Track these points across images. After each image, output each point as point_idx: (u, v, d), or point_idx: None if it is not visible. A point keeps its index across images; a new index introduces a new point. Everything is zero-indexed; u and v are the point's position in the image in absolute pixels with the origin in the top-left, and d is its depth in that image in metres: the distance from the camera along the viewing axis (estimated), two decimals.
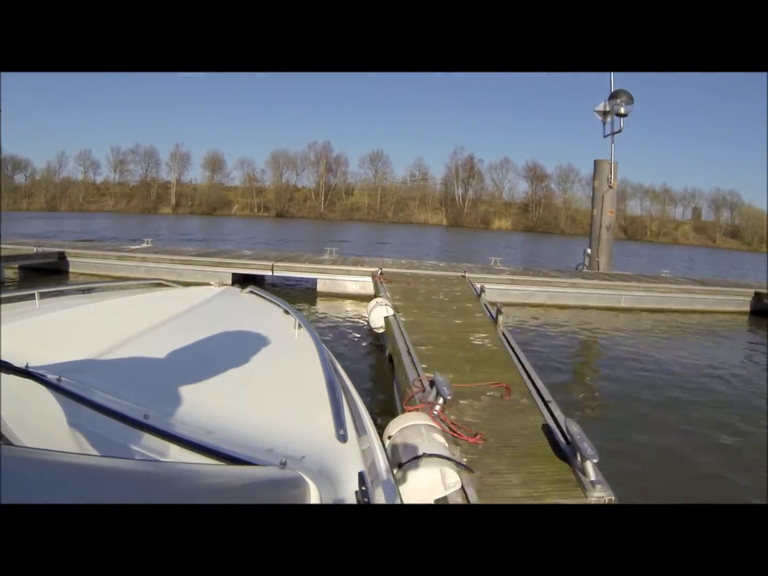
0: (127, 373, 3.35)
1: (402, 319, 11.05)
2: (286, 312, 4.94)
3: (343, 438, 2.66)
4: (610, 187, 24.72)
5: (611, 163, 25.15)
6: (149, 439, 2.59)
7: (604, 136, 25.67)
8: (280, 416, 2.98)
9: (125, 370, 3.40)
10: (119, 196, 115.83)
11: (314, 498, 2.15)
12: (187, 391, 3.15)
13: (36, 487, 1.44)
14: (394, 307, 11.70)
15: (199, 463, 2.36)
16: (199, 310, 5.02)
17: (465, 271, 19.22)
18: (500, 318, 10.80)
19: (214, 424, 2.78)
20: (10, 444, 2.70)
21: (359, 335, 13.85)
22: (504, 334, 10.10)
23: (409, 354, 8.61)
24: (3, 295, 4.54)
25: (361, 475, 2.31)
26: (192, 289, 6.18)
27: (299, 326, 4.44)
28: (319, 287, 19.67)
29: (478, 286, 15.16)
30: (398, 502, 2.42)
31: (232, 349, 3.96)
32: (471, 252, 46.05)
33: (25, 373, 2.96)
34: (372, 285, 17.58)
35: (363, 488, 2.23)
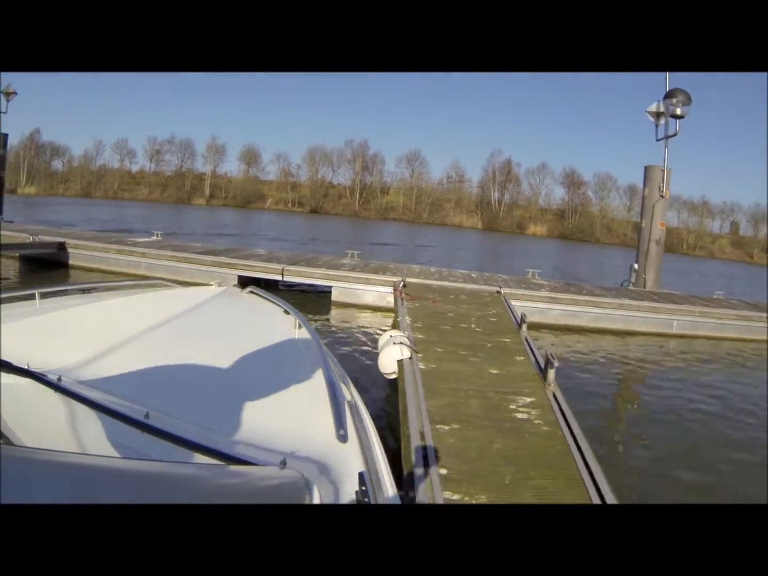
0: (127, 373, 3.34)
1: (421, 365, 8.66)
2: (286, 312, 4.90)
3: (343, 438, 2.65)
4: (662, 196, 22.36)
5: (664, 170, 22.66)
6: (149, 439, 2.55)
7: (657, 140, 23.18)
8: (280, 416, 2.97)
9: (125, 370, 3.38)
10: (154, 185, 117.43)
11: (314, 498, 2.12)
12: (187, 391, 3.16)
13: (36, 487, 1.49)
14: (413, 341, 9.52)
15: (199, 463, 2.35)
16: (200, 310, 4.97)
17: (500, 286, 17.09)
18: (551, 373, 8.15)
19: (214, 423, 2.78)
20: (10, 444, 2.70)
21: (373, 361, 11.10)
22: (556, 399, 7.66)
23: (422, 439, 6.05)
24: (3, 295, 4.47)
25: (361, 475, 2.29)
26: (192, 289, 6.32)
27: (299, 326, 4.40)
28: (335, 296, 17.93)
29: (518, 311, 12.95)
30: (398, 502, 2.42)
31: (232, 349, 3.88)
32: (509, 257, 45.56)
33: (25, 373, 2.97)
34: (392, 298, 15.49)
35: (363, 488, 2.21)
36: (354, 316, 16.85)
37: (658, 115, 23.12)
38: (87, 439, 2.81)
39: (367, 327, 15.36)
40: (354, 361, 11.86)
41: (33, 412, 3.03)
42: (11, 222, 25.78)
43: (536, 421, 6.89)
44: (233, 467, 2.32)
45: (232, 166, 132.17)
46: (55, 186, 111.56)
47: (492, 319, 12.45)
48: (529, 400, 7.56)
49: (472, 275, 20.42)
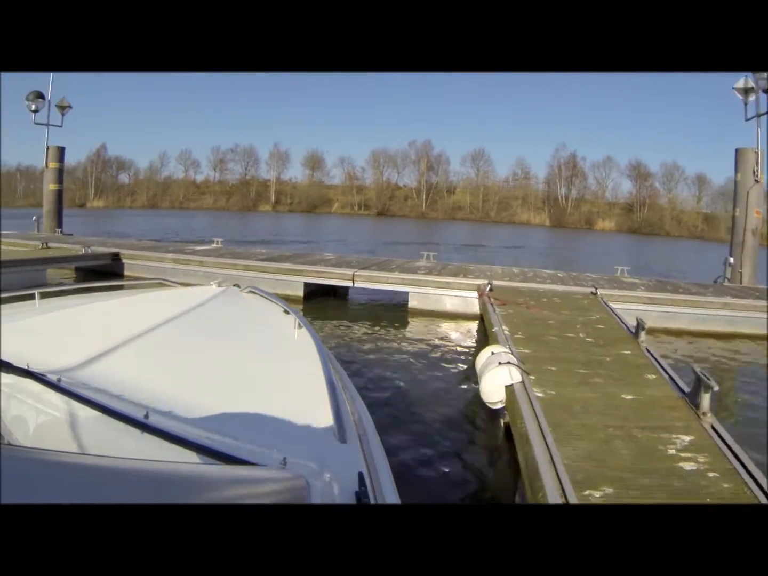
0: (127, 373, 3.34)
1: (537, 392, 7.01)
2: (286, 312, 4.89)
3: (343, 438, 2.65)
4: (757, 181, 20.37)
5: (758, 152, 20.37)
6: (149, 439, 2.56)
7: (747, 119, 21.00)
8: (280, 416, 2.94)
9: (125, 370, 3.39)
10: (219, 193, 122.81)
11: (314, 498, 2.11)
12: (187, 391, 3.14)
13: (36, 487, 1.51)
14: (520, 359, 7.94)
15: (199, 463, 2.36)
16: (200, 310, 4.87)
17: (596, 287, 15.49)
18: (706, 399, 6.29)
19: (214, 424, 2.76)
20: (10, 444, 2.80)
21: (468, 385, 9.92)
22: (720, 436, 5.84)
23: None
24: (3, 295, 4.52)
25: (360, 476, 2.30)
26: (192, 289, 6.09)
27: (299, 326, 4.38)
28: (412, 303, 16.42)
29: (630, 320, 11.16)
30: (398, 502, 2.41)
31: (233, 349, 3.97)
32: (586, 254, 43.95)
33: (25, 373, 2.99)
34: (477, 303, 14.91)
35: (363, 488, 2.22)
36: (435, 325, 15.28)
37: (746, 91, 20.67)
38: (87, 439, 2.82)
39: (451, 338, 13.90)
40: (446, 384, 10.30)
41: (33, 412, 3.05)
42: (71, 235, 26.23)
43: (710, 474, 5.07)
44: (233, 467, 2.27)
45: (296, 172, 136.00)
46: (123, 199, 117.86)
47: (599, 326, 11.12)
48: (687, 439, 5.76)
49: (559, 275, 19.12)
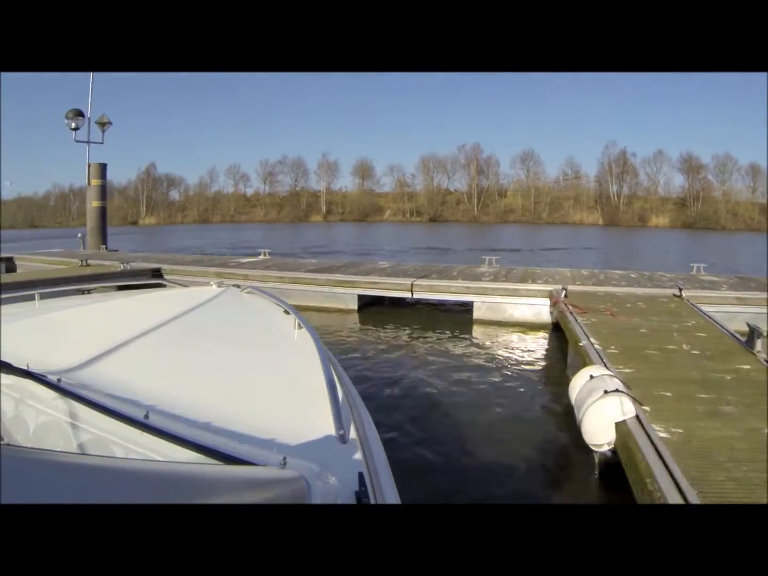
0: (127, 373, 3.37)
1: (659, 431, 5.44)
2: (287, 312, 4.83)
3: (343, 438, 2.64)
4: None
5: None
6: (149, 439, 2.58)
7: None
8: (280, 416, 2.96)
9: (125, 370, 3.43)
10: (269, 206, 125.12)
11: (314, 498, 2.09)
12: (187, 391, 3.15)
13: (36, 487, 1.53)
14: (625, 383, 6.37)
15: (199, 463, 2.34)
16: (200, 310, 4.93)
17: (680, 288, 13.81)
18: None
19: (214, 424, 2.78)
20: (10, 444, 2.88)
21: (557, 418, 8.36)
22: None
23: None
24: (3, 296, 4.69)
25: (360, 476, 2.29)
26: (192, 289, 6.20)
27: (299, 326, 4.32)
28: (476, 313, 15.09)
29: (728, 325, 10.22)
30: (398, 502, 2.38)
31: (233, 350, 4.00)
32: (647, 255, 41.52)
33: (25, 373, 3.03)
34: (549, 311, 13.97)
35: (363, 488, 2.21)
36: (503, 336, 14.06)
37: None
38: (87, 439, 2.85)
39: (524, 351, 12.59)
40: (528, 414, 8.70)
41: (33, 412, 3.07)
42: (116, 251, 26.89)
43: None
44: (233, 467, 2.27)
45: (346, 182, 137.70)
46: (174, 215, 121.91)
47: (700, 335, 9.70)
48: None
49: (632, 275, 17.79)
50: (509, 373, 10.71)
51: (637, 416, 5.63)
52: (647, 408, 5.94)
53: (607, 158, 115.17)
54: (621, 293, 14.23)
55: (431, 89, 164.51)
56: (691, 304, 12.50)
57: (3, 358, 2.99)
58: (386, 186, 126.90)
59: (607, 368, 6.88)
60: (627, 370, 7.31)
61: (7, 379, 3.02)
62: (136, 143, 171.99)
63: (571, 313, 11.09)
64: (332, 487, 2.21)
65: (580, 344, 8.73)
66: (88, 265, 19.80)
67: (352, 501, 2.13)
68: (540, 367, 11.25)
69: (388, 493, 2.35)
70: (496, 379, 10.23)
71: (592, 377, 6.30)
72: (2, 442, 2.83)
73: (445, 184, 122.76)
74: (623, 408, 5.69)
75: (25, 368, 3.04)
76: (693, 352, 8.48)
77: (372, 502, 2.16)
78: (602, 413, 5.74)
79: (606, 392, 5.85)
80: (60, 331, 4.11)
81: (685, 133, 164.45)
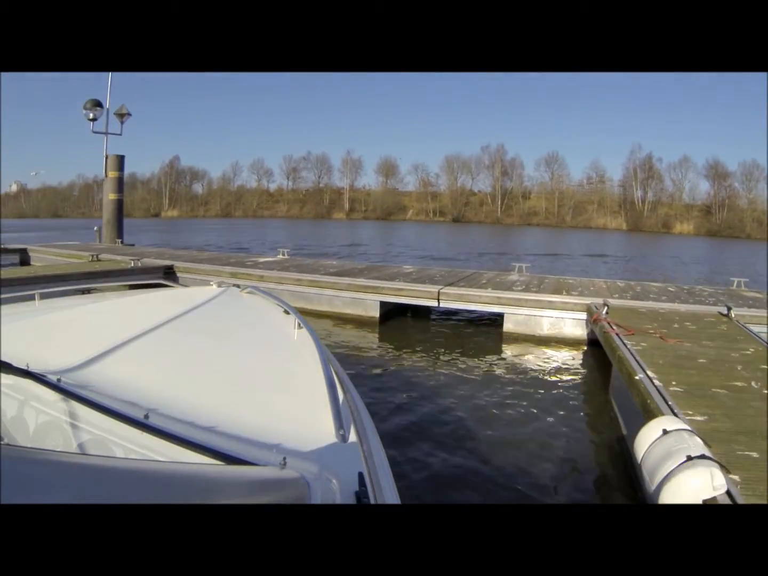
0: (127, 373, 3.38)
1: None
2: (287, 312, 4.81)
3: (343, 438, 2.63)
4: None
5: None
6: (149, 439, 2.58)
7: None
8: (280, 416, 2.97)
9: (125, 369, 3.43)
10: (292, 202, 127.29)
11: (314, 498, 2.09)
12: (187, 391, 3.16)
13: (36, 487, 1.56)
14: (706, 441, 4.99)
15: (199, 463, 2.34)
16: (200, 310, 4.93)
17: (728, 306, 12.43)
18: None
19: (214, 424, 2.77)
20: (10, 444, 2.90)
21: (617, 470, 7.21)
22: None
23: None
24: (3, 296, 4.70)
25: (360, 475, 2.29)
26: (192, 289, 6.38)
27: (299, 326, 4.32)
28: (507, 326, 14.21)
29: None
30: (398, 502, 2.39)
31: (233, 350, 3.98)
32: (678, 265, 40.24)
33: (25, 373, 3.04)
34: (586, 326, 13.16)
35: (363, 488, 2.21)
36: (538, 353, 12.99)
37: None
38: (87, 439, 2.87)
39: (562, 374, 11.43)
40: (582, 462, 7.49)
41: (33, 412, 3.09)
42: (132, 245, 26.72)
43: None
44: (233, 467, 2.28)
45: (370, 179, 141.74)
46: (196, 208, 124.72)
47: (764, 366, 8.24)
48: None
49: (670, 289, 16.98)
50: (546, 397, 9.75)
51: (728, 491, 4.31)
52: (736, 477, 4.61)
53: (632, 163, 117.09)
54: (664, 310, 13.11)
55: (455, 89, 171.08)
56: (741, 324, 11.44)
57: (3, 358, 3.01)
58: (410, 185, 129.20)
59: (678, 417, 5.65)
60: (699, 418, 6.02)
61: (7, 379, 3.05)
62: (161, 136, 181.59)
63: (617, 334, 9.87)
64: (332, 487, 2.22)
65: (636, 378, 7.39)
66: (98, 260, 19.47)
67: (352, 501, 2.14)
68: (580, 391, 10.35)
69: (388, 493, 2.36)
70: (532, 408, 9.12)
71: (665, 432, 5.03)
72: (2, 442, 2.86)
73: (468, 184, 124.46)
74: (713, 481, 4.33)
75: (25, 368, 3.06)
76: (765, 391, 7.06)
77: (372, 502, 2.17)
78: (687, 487, 4.38)
79: (689, 458, 4.53)
80: (60, 331, 4.14)
81: (711, 139, 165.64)
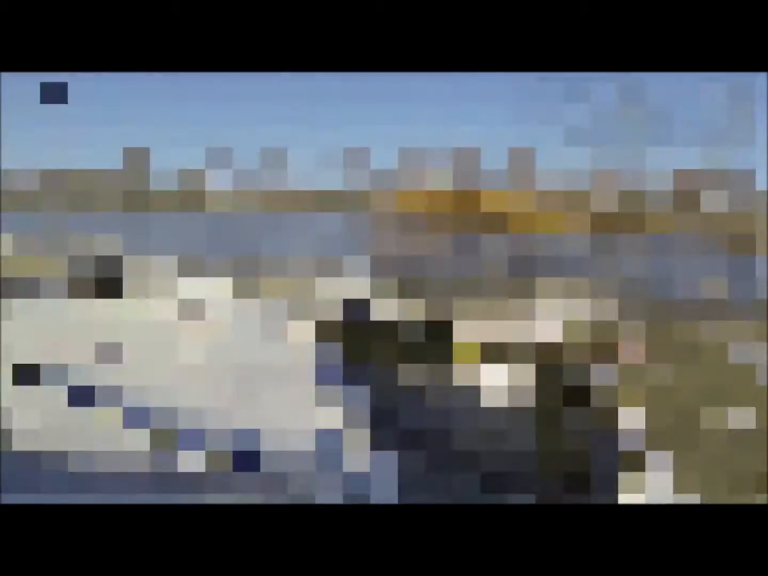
0: (129, 373, 3.28)
1: None
2: (287, 313, 4.25)
3: (343, 438, 2.73)
4: None
5: None
6: (149, 439, 2.67)
7: None
8: (281, 416, 3.02)
9: (128, 370, 3.32)
10: None
11: (314, 498, 2.30)
12: (188, 391, 3.13)
13: (36, 487, 1.70)
14: None
15: (203, 464, 2.47)
16: (201, 310, 4.52)
17: None
18: None
19: (216, 423, 2.85)
20: (10, 444, 2.86)
21: None
22: None
23: None
24: (3, 296, 4.19)
25: (360, 476, 2.46)
26: (192, 289, 5.01)
27: (299, 327, 3.94)
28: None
29: None
30: (398, 502, 2.47)
31: (233, 350, 3.68)
32: None
33: (27, 372, 3.00)
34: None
35: (363, 488, 2.36)
36: None
37: None
38: (87, 439, 2.82)
39: None
40: None
41: (33, 413, 3.00)
42: None
43: None
44: (237, 468, 2.36)
45: None
46: None
47: None
48: None
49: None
50: None
51: None
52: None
53: None
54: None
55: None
56: None
57: (4, 356, 2.97)
58: None
59: None
60: None
61: (8, 378, 2.99)
62: None
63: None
64: (332, 487, 2.35)
65: None
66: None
67: (352, 501, 2.24)
68: None
69: (388, 493, 2.44)
70: None
71: None
72: (2, 442, 2.81)
73: None
74: None
75: (26, 368, 3.00)
76: None
77: (372, 502, 2.26)
78: None
79: None
80: (61, 330, 3.81)
81: None
